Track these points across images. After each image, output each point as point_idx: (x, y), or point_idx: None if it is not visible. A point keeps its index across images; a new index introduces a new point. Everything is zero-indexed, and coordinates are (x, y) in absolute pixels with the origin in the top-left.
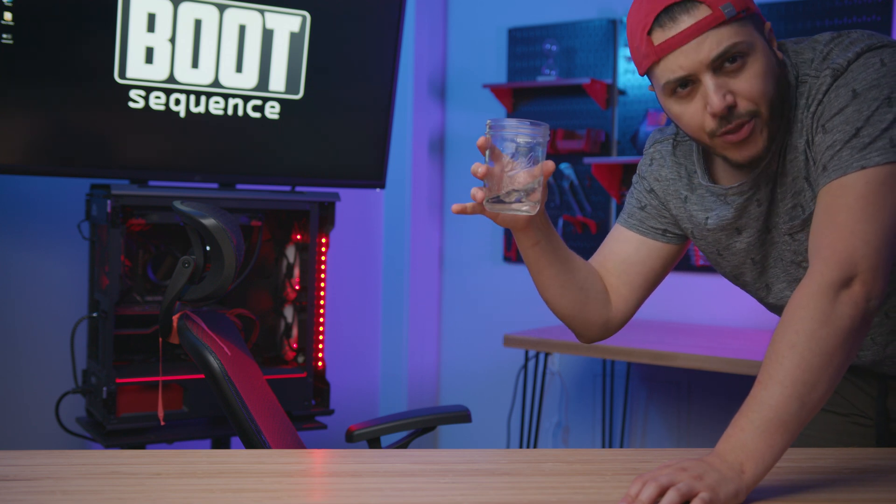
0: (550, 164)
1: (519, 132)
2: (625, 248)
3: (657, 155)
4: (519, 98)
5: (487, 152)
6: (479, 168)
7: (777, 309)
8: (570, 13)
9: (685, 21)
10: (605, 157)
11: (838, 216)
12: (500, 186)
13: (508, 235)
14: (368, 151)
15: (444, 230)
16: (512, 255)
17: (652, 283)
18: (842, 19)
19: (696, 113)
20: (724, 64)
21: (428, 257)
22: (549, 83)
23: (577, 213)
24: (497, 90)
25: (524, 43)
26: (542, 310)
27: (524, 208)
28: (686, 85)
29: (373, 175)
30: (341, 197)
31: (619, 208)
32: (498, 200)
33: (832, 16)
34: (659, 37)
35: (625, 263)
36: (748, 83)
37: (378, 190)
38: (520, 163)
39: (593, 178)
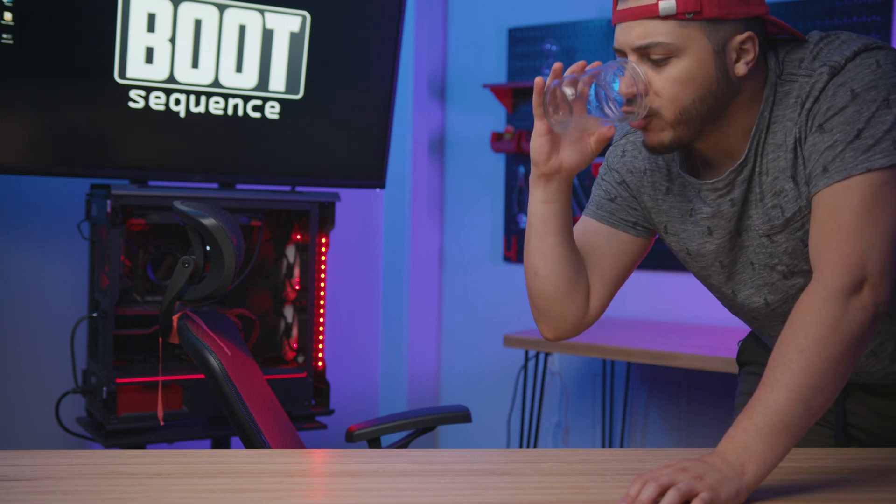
0: (609, 132)
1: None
2: (595, 241)
3: (629, 146)
4: (519, 98)
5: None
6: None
7: (743, 312)
8: (570, 13)
9: (631, 1)
10: (602, 159)
11: (843, 219)
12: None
13: (508, 236)
14: (368, 151)
15: (444, 230)
16: (512, 255)
17: (622, 278)
18: (842, 19)
19: None
20: (649, 55)
21: (428, 257)
22: None
23: (578, 213)
24: (497, 90)
25: (524, 43)
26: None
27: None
28: (625, 56)
29: (373, 175)
30: (341, 197)
31: None
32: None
33: (832, 16)
34: (618, 5)
35: (596, 256)
36: (661, 83)
37: (378, 190)
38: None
39: (593, 177)
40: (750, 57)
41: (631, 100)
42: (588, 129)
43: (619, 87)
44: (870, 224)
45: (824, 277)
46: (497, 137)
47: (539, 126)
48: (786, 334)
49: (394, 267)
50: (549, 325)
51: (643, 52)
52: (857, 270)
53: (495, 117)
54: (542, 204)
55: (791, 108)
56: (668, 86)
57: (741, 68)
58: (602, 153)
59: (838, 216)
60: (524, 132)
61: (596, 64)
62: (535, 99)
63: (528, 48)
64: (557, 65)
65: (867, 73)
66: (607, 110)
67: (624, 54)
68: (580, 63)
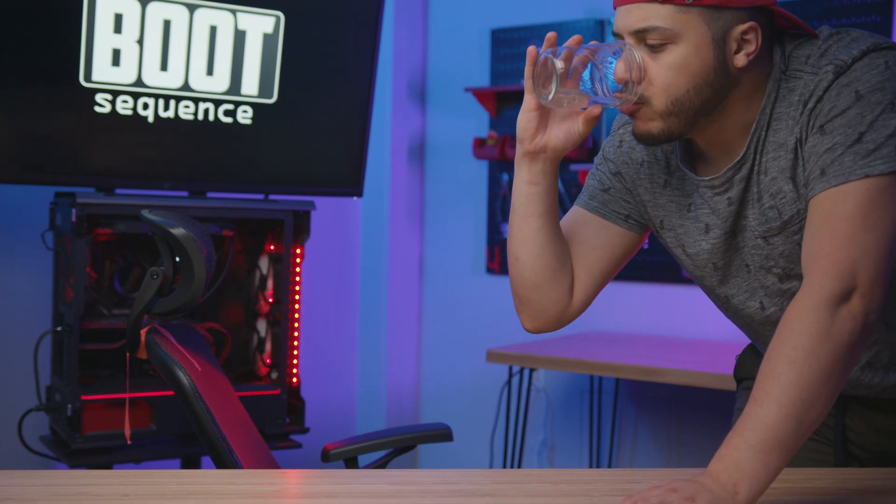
0: (597, 111)
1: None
2: (585, 231)
3: (628, 136)
4: (503, 102)
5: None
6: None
7: (738, 317)
8: (555, 13)
9: None
10: (591, 165)
11: (837, 224)
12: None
13: (491, 246)
14: (345, 158)
15: (425, 240)
16: (495, 266)
17: (609, 273)
18: (839, 20)
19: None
20: (646, 40)
21: (407, 268)
22: None
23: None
24: (480, 94)
25: (508, 44)
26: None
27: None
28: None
29: (350, 182)
30: (317, 205)
31: None
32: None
33: (831, 16)
34: None
35: (584, 246)
36: (656, 70)
37: (355, 198)
38: (582, 87)
39: (580, 185)
40: (751, 48)
41: (624, 85)
42: (575, 105)
43: (614, 70)
44: (864, 231)
45: (813, 285)
46: (480, 143)
47: (528, 101)
48: (774, 345)
49: (372, 278)
50: (529, 314)
51: (640, 36)
52: (846, 278)
53: (478, 122)
54: (525, 185)
55: (794, 106)
56: (663, 73)
57: (741, 60)
58: (589, 157)
59: (832, 222)
60: (508, 138)
61: (593, 42)
62: (526, 69)
63: (512, 50)
64: (551, 34)
65: (874, 73)
66: (599, 90)
67: (622, 38)
68: (576, 37)
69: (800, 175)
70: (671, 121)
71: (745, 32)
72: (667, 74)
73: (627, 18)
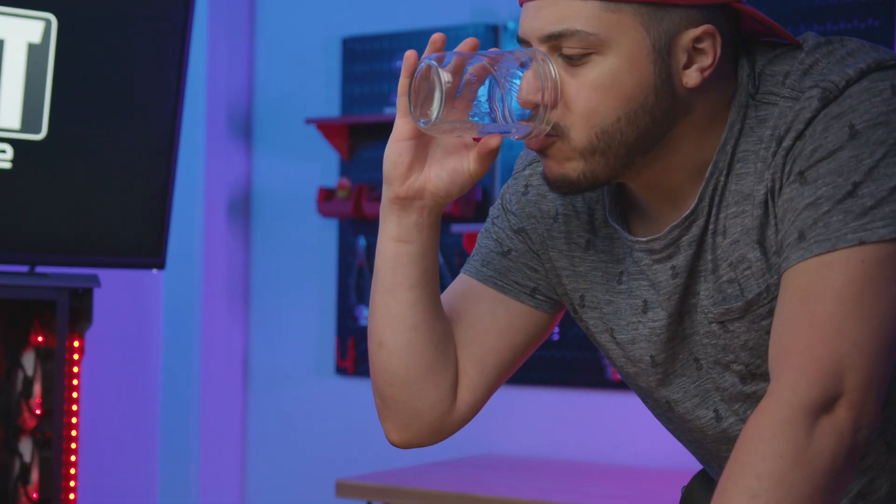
0: (494, 142)
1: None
2: (475, 309)
3: (535, 180)
4: (358, 139)
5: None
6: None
7: (683, 431)
8: (431, 17)
9: None
10: (483, 224)
11: (819, 308)
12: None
13: (343, 337)
14: (141, 216)
15: (251, 329)
16: (348, 365)
17: (507, 367)
18: (824, 24)
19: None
20: (562, 49)
21: (227, 367)
22: None
23: None
24: (326, 127)
25: (366, 58)
26: (389, 444)
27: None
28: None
29: (148, 250)
30: (102, 281)
31: None
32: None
33: (826, 18)
34: None
35: (473, 330)
36: (575, 90)
37: (155, 271)
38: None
39: (465, 253)
40: (707, 61)
41: (533, 110)
42: (465, 134)
43: (520, 89)
44: (854, 318)
45: (783, 389)
46: (327, 195)
47: (401, 125)
48: (731, 472)
49: (177, 382)
50: (396, 422)
51: (554, 44)
52: (829, 382)
53: (324, 166)
54: (393, 243)
55: (765, 143)
56: (584, 94)
57: (693, 77)
58: (478, 215)
59: (813, 304)
60: (365, 188)
61: (494, 50)
62: (401, 82)
63: (372, 66)
64: (437, 35)
65: (876, 101)
66: (499, 115)
67: (530, 46)
68: (470, 40)
69: (770, 238)
70: (595, 161)
71: (698, 39)
72: (589, 96)
73: (537, 19)
